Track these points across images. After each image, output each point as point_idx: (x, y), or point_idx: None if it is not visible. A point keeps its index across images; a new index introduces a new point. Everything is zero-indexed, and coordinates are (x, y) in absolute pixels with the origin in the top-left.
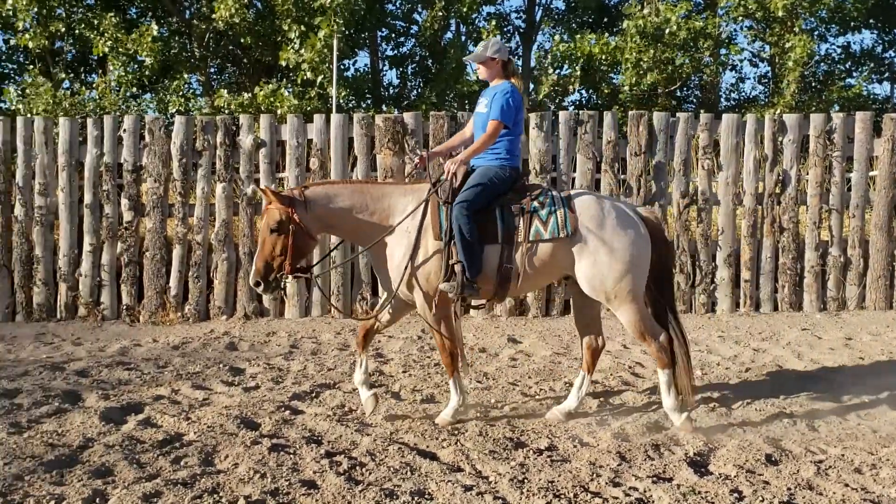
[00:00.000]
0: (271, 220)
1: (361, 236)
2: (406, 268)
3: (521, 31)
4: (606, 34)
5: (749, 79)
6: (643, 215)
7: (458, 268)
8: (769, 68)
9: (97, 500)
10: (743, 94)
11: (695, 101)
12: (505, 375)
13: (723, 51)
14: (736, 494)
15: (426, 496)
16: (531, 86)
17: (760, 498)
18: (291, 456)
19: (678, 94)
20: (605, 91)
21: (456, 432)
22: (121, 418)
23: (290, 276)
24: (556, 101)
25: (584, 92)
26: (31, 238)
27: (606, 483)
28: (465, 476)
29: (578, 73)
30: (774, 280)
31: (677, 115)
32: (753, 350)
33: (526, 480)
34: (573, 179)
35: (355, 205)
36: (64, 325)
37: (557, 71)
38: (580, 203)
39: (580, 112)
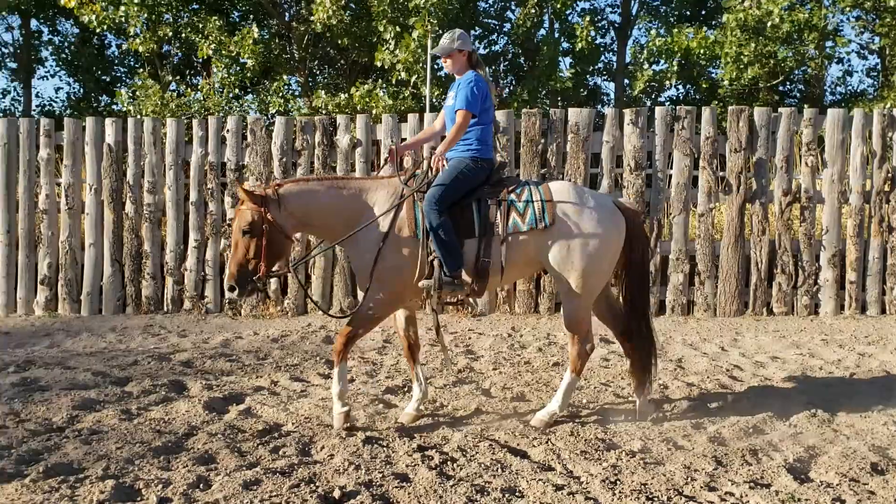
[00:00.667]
0: (243, 222)
1: (337, 234)
2: (375, 262)
3: (617, 26)
4: (705, 28)
5: (857, 72)
6: (622, 207)
7: (435, 263)
8: (879, 60)
9: (200, 485)
10: (850, 87)
11: (798, 95)
12: (597, 376)
13: (829, 43)
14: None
15: (517, 494)
16: (626, 81)
17: None
18: (384, 449)
19: (780, 88)
20: (704, 86)
21: (547, 431)
22: (223, 408)
23: (266, 278)
24: (652, 96)
25: (680, 87)
26: (141, 234)
27: (701, 487)
28: (556, 475)
29: (675, 67)
30: (882, 282)
31: (779, 110)
32: (859, 354)
33: (618, 482)
34: (669, 176)
35: (331, 201)
36: (170, 317)
37: (653, 66)
38: (557, 193)
39: (677, 107)
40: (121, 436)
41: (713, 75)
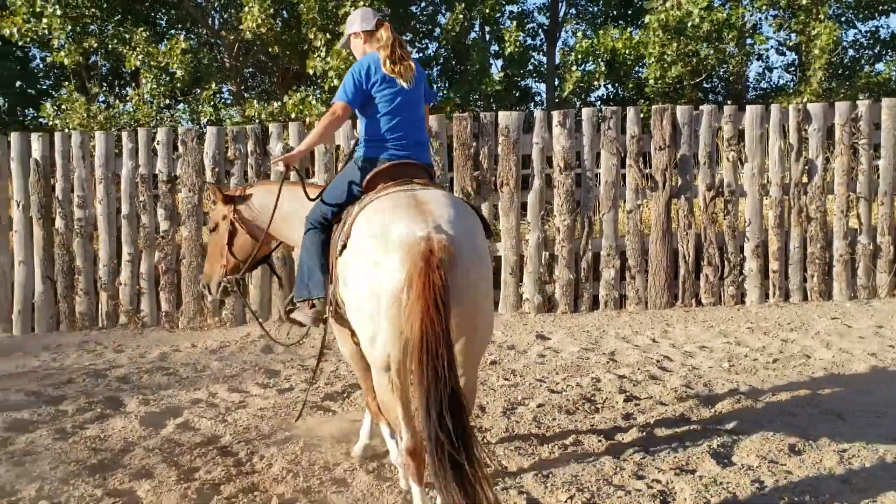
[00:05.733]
0: (211, 221)
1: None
2: None
3: (546, 28)
4: (630, 28)
5: (777, 67)
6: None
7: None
8: (796, 56)
9: (138, 501)
10: (771, 83)
11: (722, 91)
12: (533, 372)
13: (748, 40)
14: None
15: None
16: (556, 82)
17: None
18: (323, 455)
19: (704, 85)
20: (630, 85)
21: (482, 429)
22: (161, 422)
23: (228, 279)
24: (582, 97)
25: (609, 87)
26: (72, 249)
27: (630, 476)
28: (490, 472)
29: (603, 68)
30: (803, 269)
31: (701, 107)
32: (782, 341)
33: (550, 475)
34: (598, 175)
35: (294, 206)
36: (105, 332)
37: (582, 67)
38: (378, 204)
39: (603, 108)
40: (55, 456)
41: (640, 74)
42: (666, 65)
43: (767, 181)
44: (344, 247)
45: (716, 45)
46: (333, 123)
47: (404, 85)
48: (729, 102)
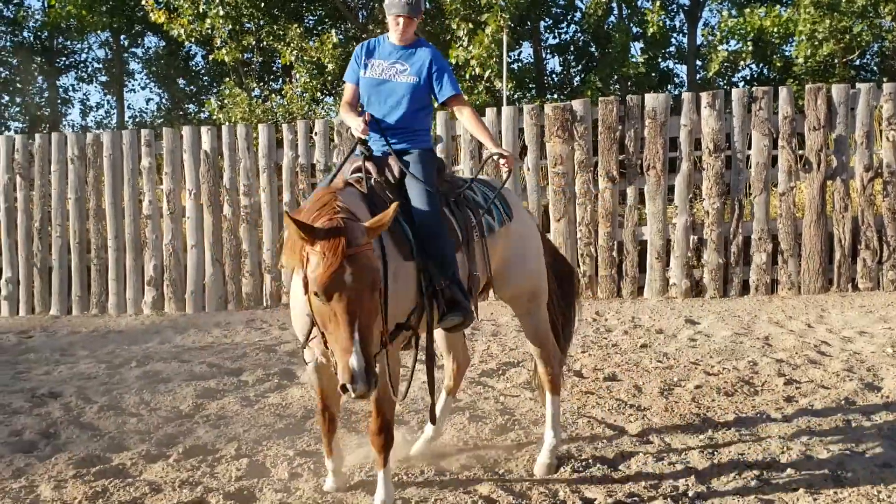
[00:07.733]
0: (372, 270)
1: None
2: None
3: (686, 8)
4: (777, 6)
5: None
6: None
7: (451, 289)
8: None
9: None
10: None
11: (876, 69)
12: (686, 355)
13: None
14: None
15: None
16: (697, 63)
17: None
18: (487, 425)
19: (856, 63)
20: (778, 64)
21: (641, 408)
22: None
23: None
24: (727, 77)
25: (754, 67)
26: (239, 235)
27: (798, 456)
28: (654, 447)
29: (749, 47)
30: None
31: (858, 86)
32: None
33: (715, 453)
34: (748, 157)
35: None
36: (269, 311)
37: (726, 47)
38: (494, 184)
39: (754, 88)
40: (245, 420)
41: (787, 53)
42: (817, 42)
43: None
44: (510, 219)
45: (871, 20)
46: None
47: None
48: (885, 80)
